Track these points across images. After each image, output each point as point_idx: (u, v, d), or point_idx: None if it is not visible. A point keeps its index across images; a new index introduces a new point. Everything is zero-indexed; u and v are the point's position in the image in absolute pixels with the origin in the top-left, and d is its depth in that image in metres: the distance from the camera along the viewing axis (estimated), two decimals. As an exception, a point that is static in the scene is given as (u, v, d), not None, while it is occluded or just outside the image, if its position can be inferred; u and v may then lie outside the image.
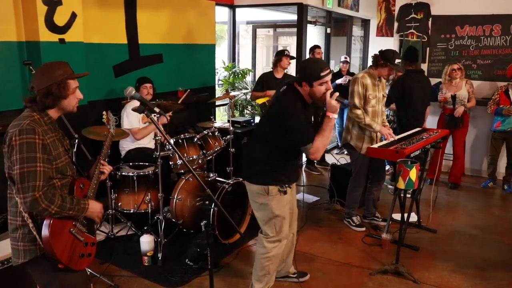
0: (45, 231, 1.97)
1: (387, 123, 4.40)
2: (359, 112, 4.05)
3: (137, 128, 4.30)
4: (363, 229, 4.40)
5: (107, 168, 2.33)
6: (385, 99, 4.34)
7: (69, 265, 2.03)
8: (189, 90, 5.11)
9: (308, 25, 6.25)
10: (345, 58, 6.96)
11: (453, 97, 5.42)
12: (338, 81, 6.51)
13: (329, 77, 2.72)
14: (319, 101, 2.76)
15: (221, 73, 7.19)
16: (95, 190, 2.26)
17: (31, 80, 2.09)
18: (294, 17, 6.38)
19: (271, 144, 2.87)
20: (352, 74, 7.16)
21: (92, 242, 2.19)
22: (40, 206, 1.91)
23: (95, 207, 2.16)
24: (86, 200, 2.13)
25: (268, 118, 2.98)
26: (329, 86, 2.73)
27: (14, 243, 2.05)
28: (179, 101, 4.72)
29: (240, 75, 6.98)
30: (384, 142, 4.03)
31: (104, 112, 2.52)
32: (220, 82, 7.04)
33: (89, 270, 3.25)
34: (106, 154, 2.36)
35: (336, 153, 7.19)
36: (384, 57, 4.02)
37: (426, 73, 6.57)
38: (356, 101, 4.06)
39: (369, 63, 7.86)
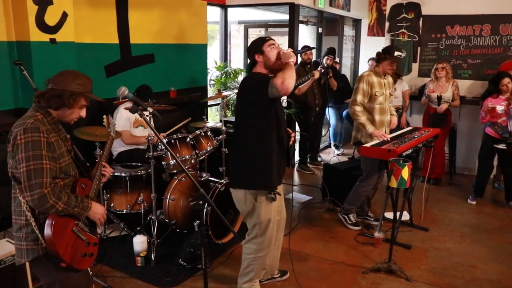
0: (47, 230, 1.98)
1: (395, 113, 4.40)
2: (358, 108, 4.08)
3: (128, 131, 4.28)
4: (359, 228, 4.41)
5: (108, 171, 2.38)
6: (392, 97, 4.38)
7: (71, 264, 2.05)
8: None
9: (299, 24, 6.26)
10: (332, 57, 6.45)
11: (439, 98, 5.53)
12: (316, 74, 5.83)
13: (275, 41, 2.79)
14: (276, 65, 2.72)
15: (213, 73, 7.18)
16: (96, 192, 2.28)
17: (53, 76, 2.11)
18: (285, 17, 6.38)
19: (247, 132, 2.83)
20: (343, 76, 7.18)
21: (94, 242, 2.21)
22: (48, 203, 1.92)
23: (98, 209, 2.18)
24: (89, 200, 2.16)
25: (238, 105, 2.94)
26: (279, 48, 2.76)
27: (18, 242, 2.07)
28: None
29: (232, 75, 6.97)
30: (377, 141, 4.05)
31: (104, 116, 2.57)
32: (212, 82, 7.03)
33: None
34: (106, 157, 2.40)
35: (338, 154, 7.16)
36: (384, 51, 4.13)
37: (417, 73, 6.64)
38: (359, 97, 4.08)
39: (362, 63, 7.95)
